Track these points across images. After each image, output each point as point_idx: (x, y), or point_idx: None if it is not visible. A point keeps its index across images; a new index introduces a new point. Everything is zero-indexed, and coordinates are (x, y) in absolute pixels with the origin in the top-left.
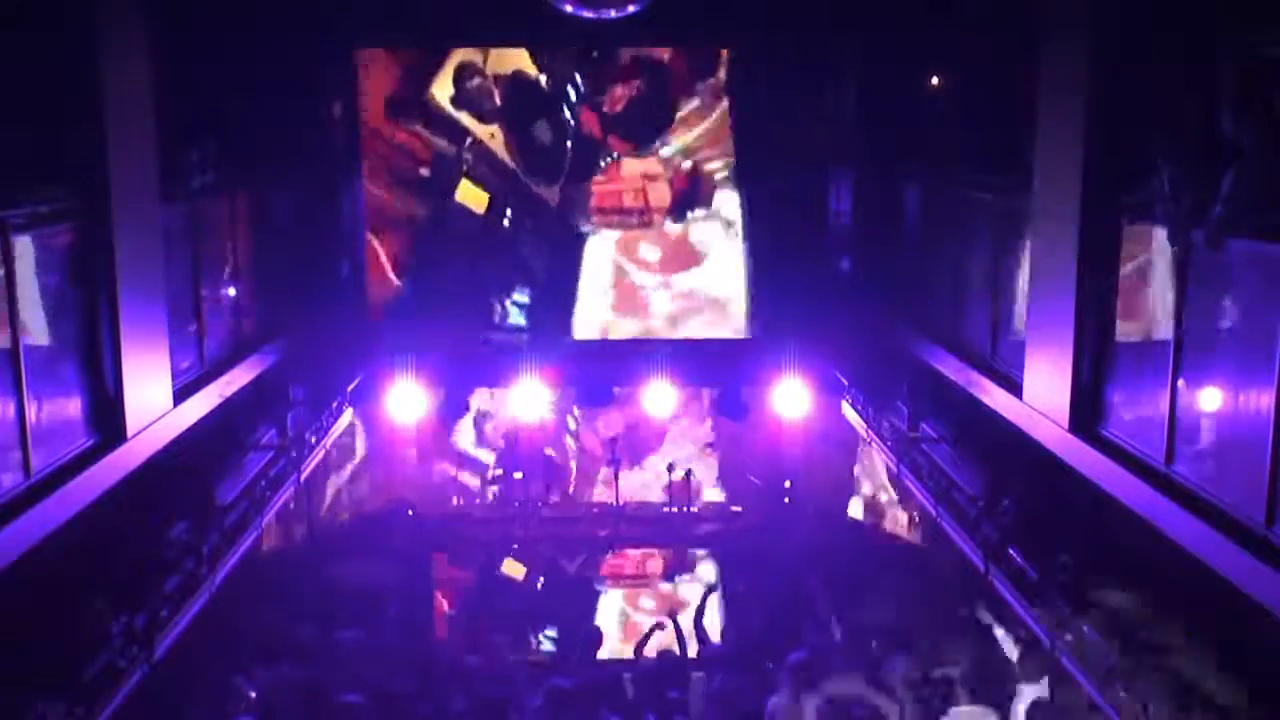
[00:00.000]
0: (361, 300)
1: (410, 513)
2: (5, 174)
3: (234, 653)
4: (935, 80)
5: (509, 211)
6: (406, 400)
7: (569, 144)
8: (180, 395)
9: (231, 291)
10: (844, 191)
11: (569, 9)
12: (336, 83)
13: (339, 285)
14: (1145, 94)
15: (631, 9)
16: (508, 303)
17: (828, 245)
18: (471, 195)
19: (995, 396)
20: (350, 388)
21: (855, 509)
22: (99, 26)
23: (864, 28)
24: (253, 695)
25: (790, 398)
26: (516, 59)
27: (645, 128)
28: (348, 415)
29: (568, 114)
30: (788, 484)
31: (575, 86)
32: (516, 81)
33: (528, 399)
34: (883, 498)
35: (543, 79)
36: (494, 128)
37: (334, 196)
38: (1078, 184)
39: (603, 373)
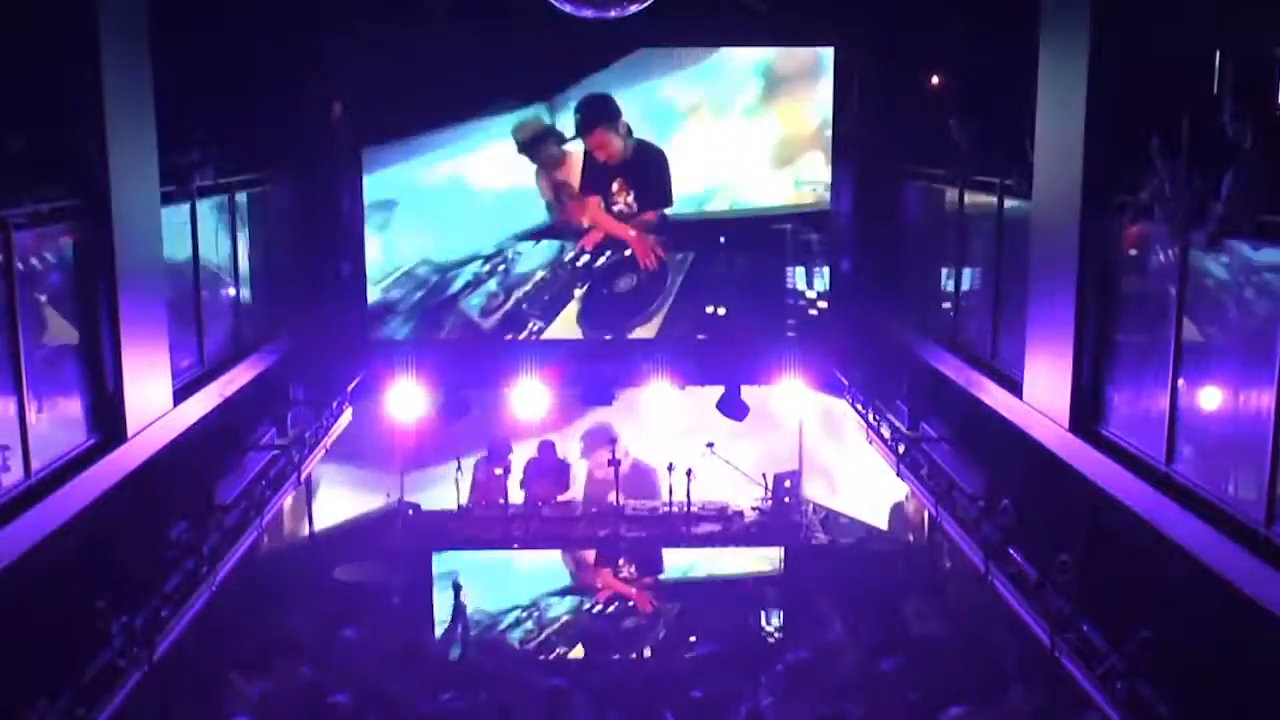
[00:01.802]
0: (361, 300)
1: (410, 513)
2: (6, 173)
3: (234, 653)
4: (936, 80)
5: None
6: (406, 399)
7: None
8: (180, 394)
9: (231, 291)
10: (844, 191)
11: (569, 9)
12: (337, 83)
13: (339, 285)
14: (1145, 93)
15: (632, 9)
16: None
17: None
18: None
19: (995, 396)
20: (350, 387)
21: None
22: (99, 26)
23: (865, 28)
24: (253, 694)
25: (790, 398)
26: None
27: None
28: (347, 415)
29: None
30: (788, 484)
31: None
32: None
33: (528, 398)
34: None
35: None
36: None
37: (334, 196)
38: (1078, 184)
39: (603, 373)
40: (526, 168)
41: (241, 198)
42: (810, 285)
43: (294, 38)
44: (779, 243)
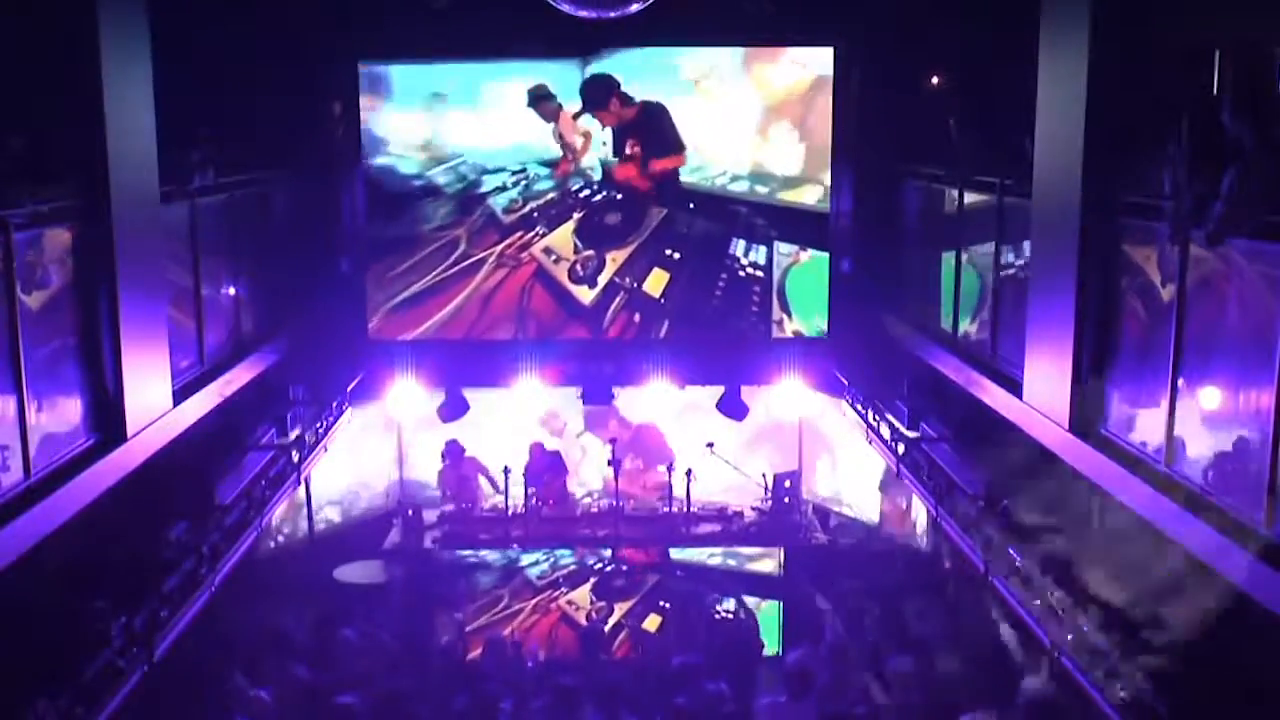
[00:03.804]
0: (361, 299)
1: (410, 512)
2: (6, 173)
3: (234, 653)
4: (936, 80)
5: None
6: (406, 399)
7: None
8: (180, 395)
9: (231, 290)
10: (844, 191)
11: (568, 9)
12: (337, 82)
13: (339, 284)
14: (1145, 93)
15: (633, 8)
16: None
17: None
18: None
19: (995, 396)
20: (350, 387)
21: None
22: (99, 26)
23: (865, 28)
24: (252, 695)
25: (790, 398)
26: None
27: (668, 145)
28: (348, 415)
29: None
30: (788, 484)
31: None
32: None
33: (528, 398)
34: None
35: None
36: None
37: (334, 195)
38: (1078, 184)
39: (603, 372)
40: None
41: (241, 197)
42: (746, 255)
43: (295, 37)
44: (733, 219)
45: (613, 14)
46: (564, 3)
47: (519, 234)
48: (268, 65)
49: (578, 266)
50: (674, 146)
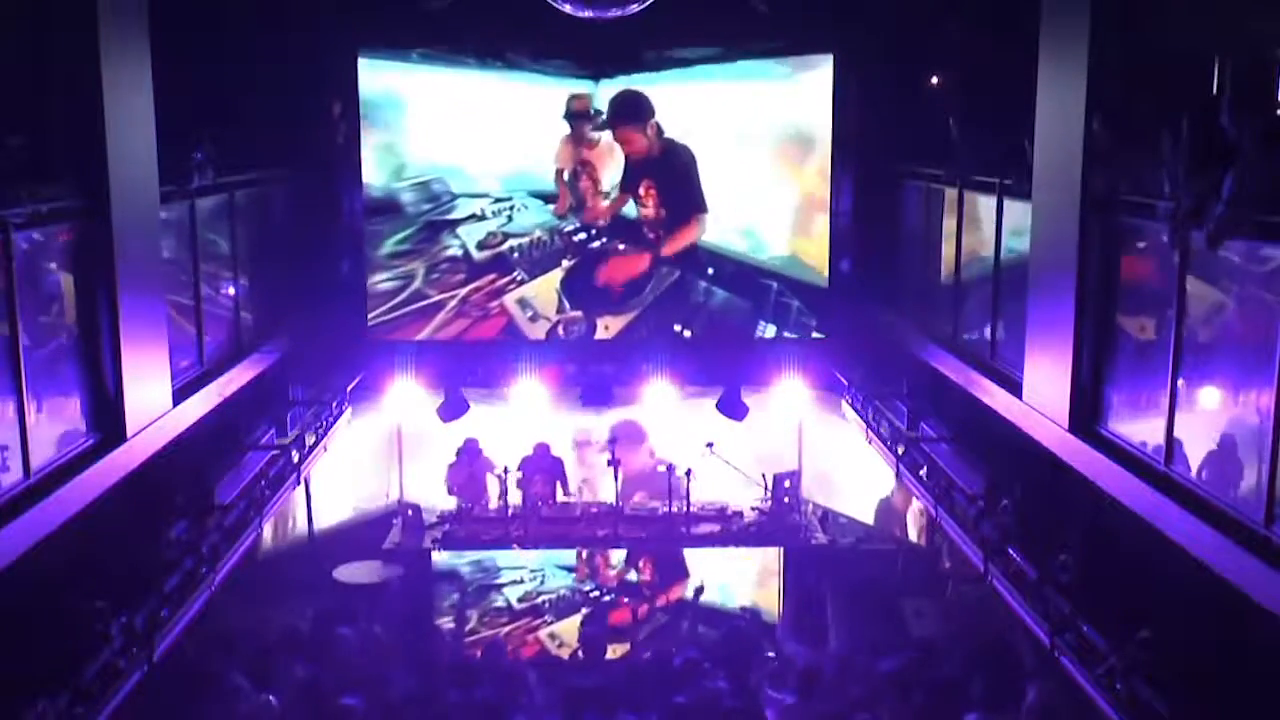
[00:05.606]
0: (361, 299)
1: (410, 512)
2: (6, 173)
3: (234, 653)
4: (936, 80)
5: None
6: (406, 399)
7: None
8: (180, 394)
9: (231, 290)
10: (844, 191)
11: (568, 9)
12: (337, 82)
13: (338, 285)
14: (1145, 94)
15: (633, 8)
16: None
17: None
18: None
19: (995, 396)
20: (350, 387)
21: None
22: (99, 26)
23: (865, 29)
24: (252, 695)
25: (790, 398)
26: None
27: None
28: (347, 415)
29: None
30: (787, 484)
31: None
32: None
33: (527, 398)
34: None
35: None
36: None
37: (334, 195)
38: (1078, 184)
39: (603, 373)
40: (553, 133)
41: (241, 197)
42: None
43: (295, 38)
44: (761, 295)
45: (612, 14)
46: (565, 2)
47: (491, 277)
48: (267, 65)
49: (559, 330)
50: (696, 204)
